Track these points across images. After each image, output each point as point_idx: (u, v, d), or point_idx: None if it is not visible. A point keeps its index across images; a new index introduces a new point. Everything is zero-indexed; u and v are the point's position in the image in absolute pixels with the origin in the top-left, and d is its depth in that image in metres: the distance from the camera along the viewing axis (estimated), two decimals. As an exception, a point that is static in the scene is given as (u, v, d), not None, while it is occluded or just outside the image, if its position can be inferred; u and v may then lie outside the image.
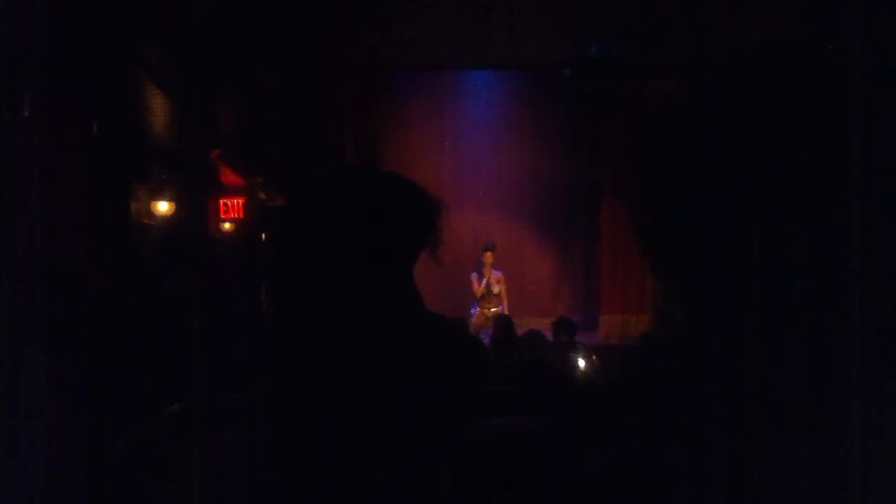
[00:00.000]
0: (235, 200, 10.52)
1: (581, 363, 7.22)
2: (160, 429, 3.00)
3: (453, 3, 10.47)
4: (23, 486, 2.19)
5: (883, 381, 1.21)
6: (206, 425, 2.11)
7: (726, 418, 1.29)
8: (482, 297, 12.26)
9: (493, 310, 11.95)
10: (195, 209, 9.27)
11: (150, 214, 8.10)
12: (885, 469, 1.22)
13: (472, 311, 12.09)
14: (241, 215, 10.50)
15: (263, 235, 10.63)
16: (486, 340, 8.00)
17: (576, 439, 1.41)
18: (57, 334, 2.59)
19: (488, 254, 12.40)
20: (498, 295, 12.26)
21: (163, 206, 8.29)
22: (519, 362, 6.51)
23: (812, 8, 1.23)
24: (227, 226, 10.55)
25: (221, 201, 10.46)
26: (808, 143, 1.22)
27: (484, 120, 14.53)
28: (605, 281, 13.60)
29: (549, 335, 8.22)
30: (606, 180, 13.55)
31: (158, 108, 8.34)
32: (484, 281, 12.23)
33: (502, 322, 8.22)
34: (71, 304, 3.18)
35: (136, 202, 7.61)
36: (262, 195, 11.03)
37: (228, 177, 10.69)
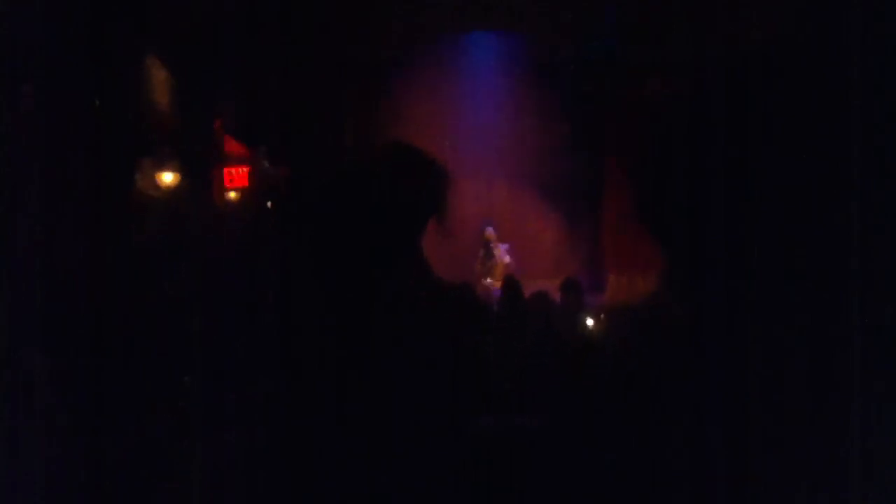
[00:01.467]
0: (240, 169, 10.45)
1: (589, 323, 7.19)
2: (160, 429, 2.99)
3: (453, 3, 10.47)
4: (23, 486, 2.20)
5: (883, 381, 1.21)
6: (206, 425, 2.11)
7: (726, 418, 1.29)
8: (489, 270, 12.24)
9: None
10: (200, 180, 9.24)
11: (154, 190, 8.05)
12: (886, 469, 1.22)
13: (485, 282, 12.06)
14: (246, 184, 10.44)
15: (269, 203, 10.56)
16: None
17: (576, 439, 1.41)
18: (57, 334, 2.60)
19: (488, 231, 12.37)
20: (508, 265, 12.24)
21: (166, 179, 8.23)
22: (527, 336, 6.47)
23: (812, 8, 1.23)
24: (232, 195, 10.49)
25: (226, 170, 10.39)
26: (808, 143, 1.22)
27: (487, 85, 14.42)
28: (610, 241, 13.53)
29: (556, 297, 8.20)
30: (610, 148, 13.51)
31: (159, 80, 8.31)
32: (487, 260, 12.24)
33: (510, 285, 8.16)
34: (71, 304, 3.18)
35: (140, 179, 7.57)
36: (265, 164, 10.96)
37: (232, 146, 10.62)
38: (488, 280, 11.64)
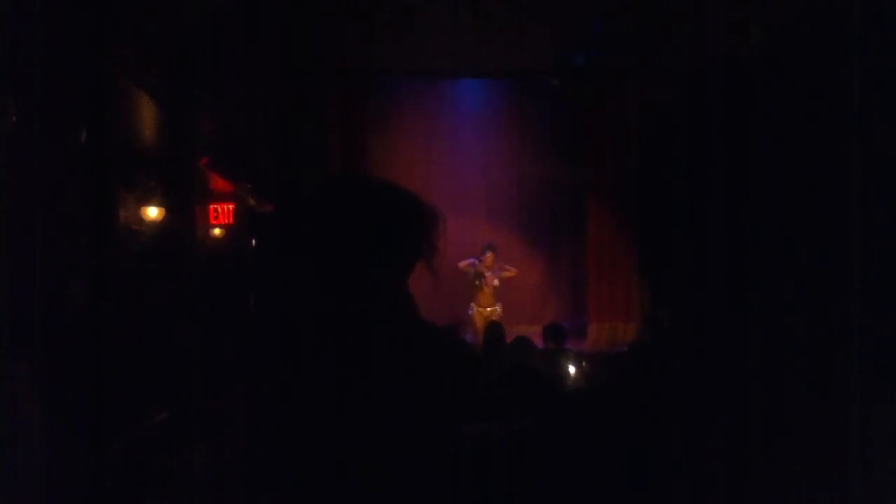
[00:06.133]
0: (226, 206, 10.51)
1: (571, 370, 7.24)
2: (158, 430, 3.00)
3: (449, 8, 10.52)
4: (23, 486, 2.19)
5: (883, 382, 1.22)
6: (204, 426, 2.11)
7: (726, 420, 1.29)
8: (479, 294, 12.40)
9: (488, 309, 12.03)
10: (184, 216, 9.27)
11: (140, 221, 8.09)
12: (886, 469, 1.22)
13: (469, 311, 12.22)
14: (231, 221, 10.49)
15: (253, 241, 10.61)
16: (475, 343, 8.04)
17: (574, 441, 1.41)
18: (57, 335, 2.60)
19: (489, 255, 12.58)
20: (497, 288, 12.43)
21: (152, 212, 8.28)
22: (508, 367, 6.51)
23: (812, 8, 1.24)
24: (217, 231, 10.54)
25: (211, 207, 10.44)
26: (808, 143, 1.23)
27: (471, 127, 14.59)
28: (593, 288, 13.68)
29: (539, 342, 8.25)
30: (593, 186, 13.65)
31: (146, 115, 8.35)
32: (494, 280, 12.40)
33: (493, 329, 8.27)
34: (71, 304, 3.19)
35: (125, 209, 7.61)
36: (250, 201, 11.03)
37: (218, 182, 10.69)
38: (473, 307, 11.71)
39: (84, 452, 2.53)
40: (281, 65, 10.84)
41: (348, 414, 1.80)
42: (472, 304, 12.60)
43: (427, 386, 1.87)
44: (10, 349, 2.38)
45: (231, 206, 10.53)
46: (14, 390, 2.30)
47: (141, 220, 8.10)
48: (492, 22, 11.18)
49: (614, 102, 13.05)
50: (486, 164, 14.66)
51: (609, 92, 13.23)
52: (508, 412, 1.92)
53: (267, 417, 1.88)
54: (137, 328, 5.44)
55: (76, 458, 2.45)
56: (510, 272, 12.94)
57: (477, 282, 12.63)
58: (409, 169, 13.26)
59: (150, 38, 7.98)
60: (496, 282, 12.69)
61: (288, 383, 1.85)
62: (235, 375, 1.99)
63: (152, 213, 8.27)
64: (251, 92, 10.49)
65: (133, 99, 8.09)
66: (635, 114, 12.26)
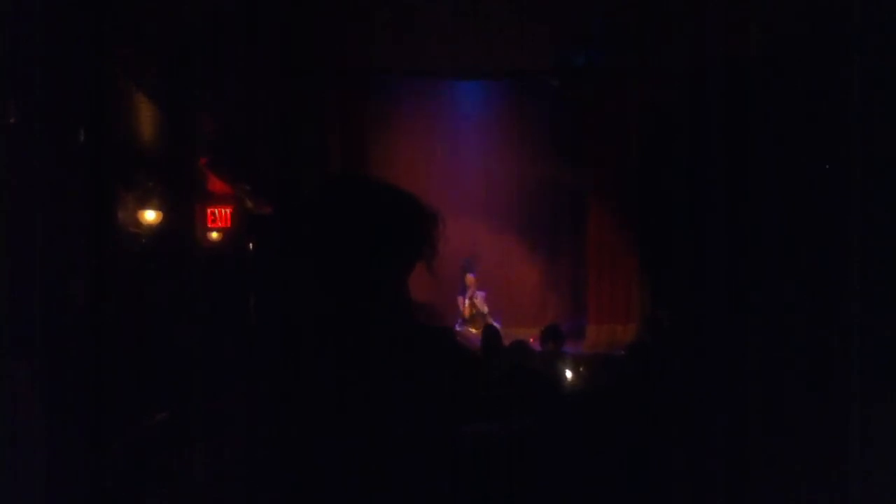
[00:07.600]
0: (223, 210, 10.47)
1: (568, 373, 7.23)
2: (158, 430, 3.01)
3: (448, 9, 10.55)
4: (23, 486, 2.19)
5: (883, 382, 1.22)
6: (204, 426, 2.11)
7: (726, 420, 1.29)
8: (470, 318, 12.44)
9: (473, 331, 12.12)
10: (184, 216, 9.27)
11: (139, 221, 8.10)
12: (886, 469, 1.22)
13: (458, 328, 12.24)
14: (229, 224, 10.45)
15: (251, 245, 10.59)
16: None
17: (573, 441, 1.40)
18: (57, 335, 2.60)
19: (469, 277, 12.64)
20: (485, 314, 12.46)
21: (150, 215, 8.28)
22: (507, 367, 6.50)
23: (812, 8, 1.24)
24: (215, 234, 10.51)
25: (209, 210, 10.41)
26: (808, 144, 1.23)
27: (471, 128, 14.59)
28: (593, 290, 13.67)
29: (537, 344, 8.25)
30: (593, 186, 13.67)
31: (145, 116, 8.35)
32: (467, 302, 12.45)
33: (489, 333, 8.27)
34: (71, 304, 3.20)
35: (124, 210, 7.62)
36: (249, 203, 11.03)
37: (216, 185, 10.67)
38: (464, 327, 11.74)
39: (84, 452, 2.54)
40: (281, 65, 10.84)
41: (348, 414, 1.80)
42: (461, 322, 12.67)
43: (427, 386, 1.87)
44: (10, 349, 2.38)
45: (229, 210, 10.50)
46: (14, 390, 2.31)
47: (140, 221, 8.11)
48: (492, 22, 11.20)
49: (614, 102, 13.08)
50: (487, 165, 14.66)
51: (609, 92, 13.25)
52: (508, 412, 1.92)
53: (267, 417, 1.88)
54: (137, 328, 5.46)
55: (76, 458, 2.46)
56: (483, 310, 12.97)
57: (468, 303, 12.74)
58: (409, 169, 13.23)
59: (150, 38, 7.98)
60: (486, 308, 12.81)
61: (288, 383, 1.85)
62: (235, 375, 1.99)
63: (152, 213, 8.27)
64: (251, 92, 10.49)
65: (133, 99, 8.09)
66: (635, 114, 12.30)
